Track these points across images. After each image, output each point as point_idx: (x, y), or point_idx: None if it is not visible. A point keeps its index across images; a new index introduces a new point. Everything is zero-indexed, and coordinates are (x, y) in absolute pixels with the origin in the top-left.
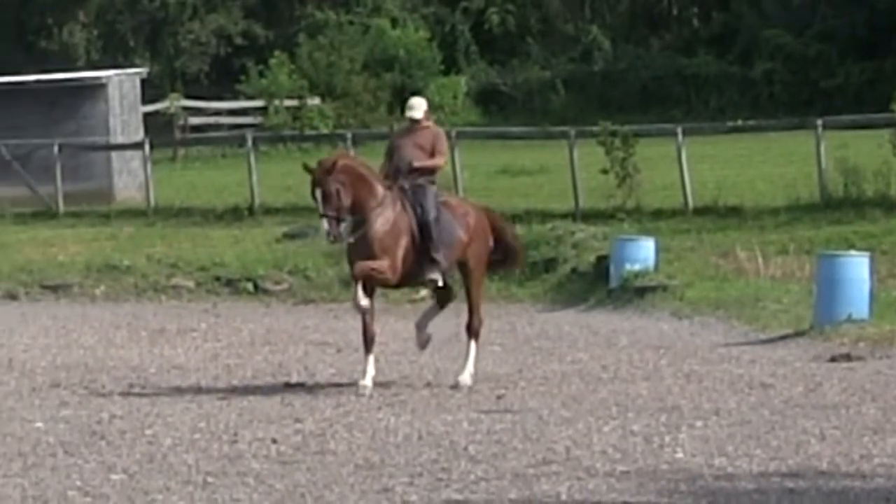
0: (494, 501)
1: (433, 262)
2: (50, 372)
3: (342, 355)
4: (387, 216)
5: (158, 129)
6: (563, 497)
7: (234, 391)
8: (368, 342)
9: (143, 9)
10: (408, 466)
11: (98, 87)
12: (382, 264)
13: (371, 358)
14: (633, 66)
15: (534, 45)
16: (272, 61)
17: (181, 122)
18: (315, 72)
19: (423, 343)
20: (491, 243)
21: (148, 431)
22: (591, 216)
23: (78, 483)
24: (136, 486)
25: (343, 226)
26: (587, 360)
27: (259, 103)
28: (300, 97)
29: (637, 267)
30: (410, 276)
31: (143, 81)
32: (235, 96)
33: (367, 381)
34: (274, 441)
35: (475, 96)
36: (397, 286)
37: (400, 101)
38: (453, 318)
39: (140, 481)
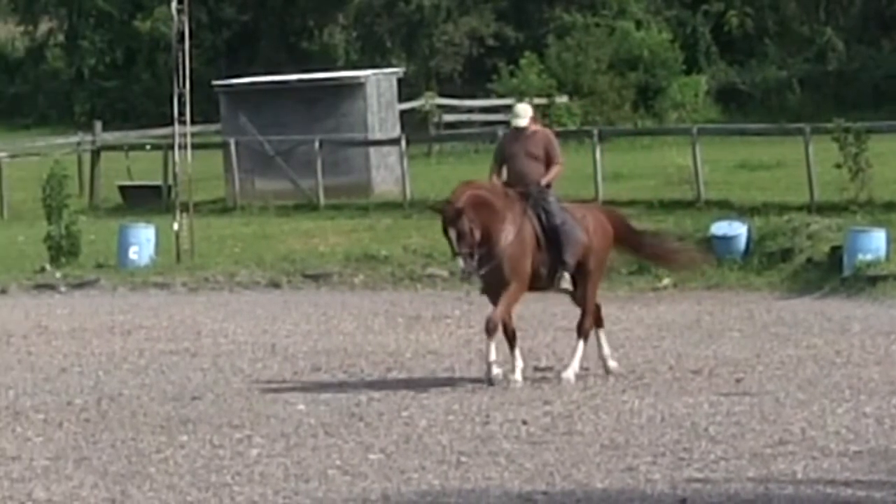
0: (733, 480)
1: (563, 265)
2: (311, 357)
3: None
4: (511, 231)
5: (414, 125)
6: (799, 476)
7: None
8: (511, 338)
9: (400, 11)
10: (651, 447)
11: (357, 86)
12: (505, 308)
13: (517, 351)
14: (865, 66)
15: (771, 45)
16: (522, 61)
17: (436, 119)
18: (563, 71)
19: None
20: (611, 244)
21: (404, 413)
22: (825, 208)
23: (337, 462)
24: (393, 465)
25: (476, 259)
26: (821, 346)
27: (510, 101)
28: (549, 95)
29: (869, 257)
30: (541, 280)
31: (399, 80)
32: (487, 95)
33: (518, 376)
34: (524, 422)
35: (715, 95)
36: (528, 290)
37: (644, 99)
38: (694, 305)
39: (397, 460)
